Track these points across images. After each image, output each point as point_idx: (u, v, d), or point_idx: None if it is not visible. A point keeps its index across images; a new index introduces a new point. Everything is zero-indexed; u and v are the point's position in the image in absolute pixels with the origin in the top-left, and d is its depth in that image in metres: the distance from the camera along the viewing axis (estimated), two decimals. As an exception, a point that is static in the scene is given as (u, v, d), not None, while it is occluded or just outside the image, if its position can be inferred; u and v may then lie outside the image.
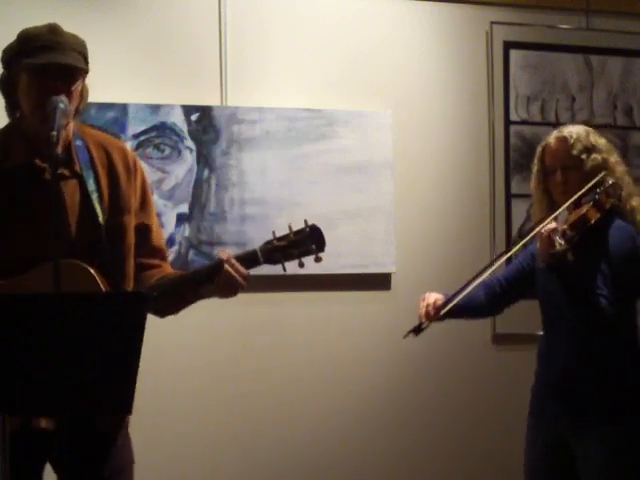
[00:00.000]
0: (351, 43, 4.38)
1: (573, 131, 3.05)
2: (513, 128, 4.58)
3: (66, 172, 2.58)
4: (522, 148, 4.57)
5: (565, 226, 2.89)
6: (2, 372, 2.03)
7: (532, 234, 2.98)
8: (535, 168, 3.13)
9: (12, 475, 2.13)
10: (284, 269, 2.66)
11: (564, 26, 4.68)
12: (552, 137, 3.09)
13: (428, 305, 3.06)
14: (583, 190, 2.95)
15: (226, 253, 2.63)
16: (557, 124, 4.56)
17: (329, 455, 4.28)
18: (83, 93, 2.63)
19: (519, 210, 4.53)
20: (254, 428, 4.18)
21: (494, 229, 4.51)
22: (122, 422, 2.64)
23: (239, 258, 2.62)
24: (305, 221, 2.67)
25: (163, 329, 3.67)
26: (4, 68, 2.62)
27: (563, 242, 2.84)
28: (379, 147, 4.33)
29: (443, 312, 3.06)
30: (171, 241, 4.01)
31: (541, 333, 3.16)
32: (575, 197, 2.96)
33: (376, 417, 4.35)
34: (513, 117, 4.58)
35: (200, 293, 2.68)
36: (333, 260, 4.20)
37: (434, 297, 3.09)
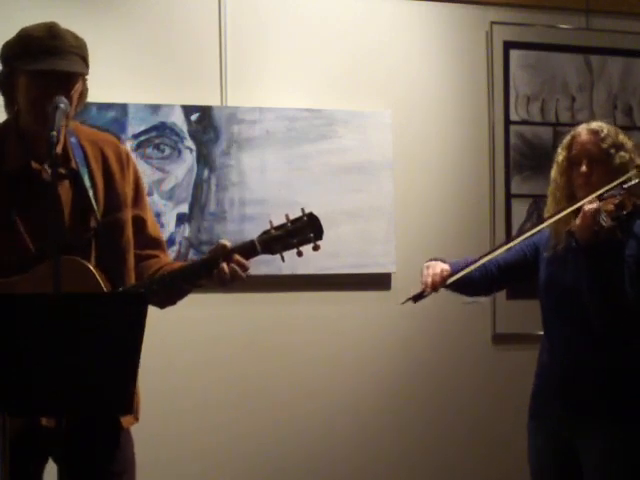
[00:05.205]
0: (351, 43, 4.38)
1: (604, 126, 3.04)
2: (513, 128, 4.57)
3: (62, 170, 2.59)
4: (522, 148, 4.57)
5: (611, 206, 2.83)
6: (2, 372, 2.03)
7: (567, 210, 2.92)
8: (560, 157, 3.07)
9: (12, 475, 2.13)
10: (283, 259, 2.63)
11: (564, 26, 4.68)
12: (582, 128, 3.05)
13: (435, 274, 3.00)
14: (613, 184, 2.90)
15: (225, 243, 2.61)
16: (557, 124, 4.58)
17: (329, 454, 4.28)
18: (82, 94, 2.62)
19: (519, 210, 4.53)
20: (254, 427, 4.18)
21: (494, 229, 4.51)
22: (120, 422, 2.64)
23: (237, 249, 2.61)
24: (302, 209, 2.64)
25: (163, 329, 3.67)
26: (3, 65, 2.61)
27: (609, 220, 2.79)
28: (379, 147, 4.33)
29: (449, 282, 3.00)
30: (171, 241, 4.01)
31: (541, 333, 3.12)
32: (605, 189, 2.90)
33: (376, 417, 4.35)
34: (513, 117, 4.58)
35: (199, 284, 2.67)
36: (333, 260, 4.20)
37: (440, 267, 3.03)
